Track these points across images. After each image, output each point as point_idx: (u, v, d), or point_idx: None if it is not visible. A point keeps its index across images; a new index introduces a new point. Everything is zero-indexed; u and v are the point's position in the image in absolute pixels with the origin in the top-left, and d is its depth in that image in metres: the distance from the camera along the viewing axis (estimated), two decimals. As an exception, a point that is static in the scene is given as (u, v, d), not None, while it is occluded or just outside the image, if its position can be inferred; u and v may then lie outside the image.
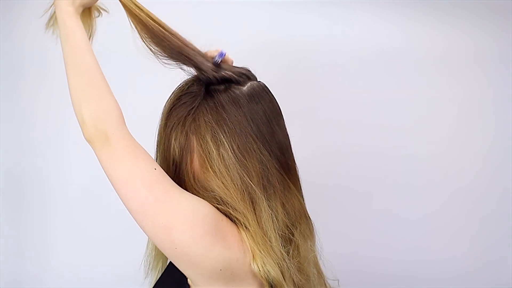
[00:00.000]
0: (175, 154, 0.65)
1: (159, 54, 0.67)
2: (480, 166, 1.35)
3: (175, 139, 0.65)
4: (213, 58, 0.69)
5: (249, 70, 0.71)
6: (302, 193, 0.71)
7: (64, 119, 1.26)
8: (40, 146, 1.30)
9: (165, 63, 0.67)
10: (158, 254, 0.75)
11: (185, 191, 0.60)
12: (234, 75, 0.66)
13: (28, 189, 1.32)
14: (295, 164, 0.70)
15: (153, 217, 0.56)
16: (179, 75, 0.76)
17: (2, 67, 1.25)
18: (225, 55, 0.69)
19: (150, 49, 0.67)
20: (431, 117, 1.32)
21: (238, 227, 0.62)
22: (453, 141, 1.34)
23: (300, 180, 0.71)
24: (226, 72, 0.66)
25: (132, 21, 0.67)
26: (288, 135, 0.70)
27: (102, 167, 0.58)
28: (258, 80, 0.71)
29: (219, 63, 0.68)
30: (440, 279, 1.39)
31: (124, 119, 0.60)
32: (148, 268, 0.75)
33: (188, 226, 0.56)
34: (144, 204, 0.56)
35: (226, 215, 0.62)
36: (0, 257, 1.31)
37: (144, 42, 0.67)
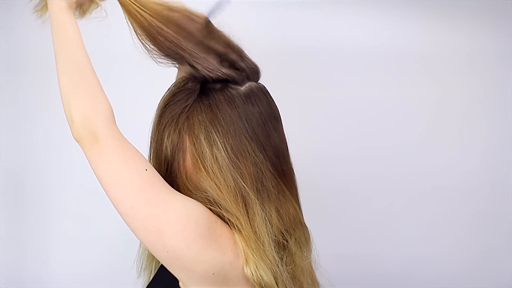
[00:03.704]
0: (167, 152, 0.63)
1: (154, 52, 0.64)
2: (480, 166, 1.34)
3: (167, 137, 0.63)
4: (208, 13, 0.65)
5: (255, 68, 0.68)
6: (299, 201, 0.69)
7: (64, 118, 1.25)
8: (41, 146, 1.30)
9: (160, 62, 0.65)
10: (151, 254, 0.74)
11: (178, 192, 0.59)
12: (231, 74, 0.64)
13: (28, 188, 1.32)
14: (293, 171, 0.68)
15: (144, 220, 0.54)
16: (175, 71, 0.74)
17: (3, 66, 1.25)
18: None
19: (146, 46, 0.65)
20: (431, 117, 1.32)
21: (231, 230, 0.60)
22: (453, 141, 1.33)
23: (297, 188, 0.69)
24: (223, 71, 0.63)
25: (127, 16, 0.65)
26: (285, 141, 0.68)
27: (92, 168, 0.56)
28: (259, 80, 0.69)
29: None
30: (440, 279, 1.39)
31: (114, 118, 0.58)
32: (141, 268, 0.75)
33: (180, 229, 0.55)
34: (133, 207, 0.54)
35: (219, 217, 0.61)
36: (0, 256, 1.31)
37: (139, 39, 0.64)
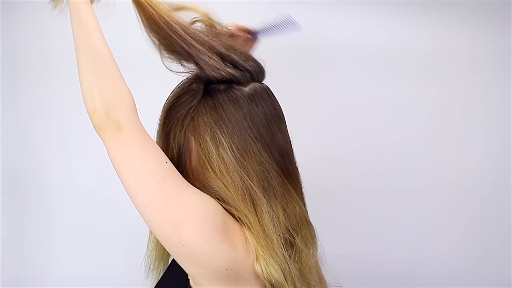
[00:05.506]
0: (174, 154, 0.64)
1: (161, 47, 0.64)
2: (480, 166, 1.35)
3: (173, 139, 0.64)
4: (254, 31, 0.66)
5: (260, 68, 0.69)
6: (304, 199, 0.70)
7: (65, 117, 1.26)
8: (41, 145, 1.29)
9: (166, 57, 0.65)
10: (159, 254, 0.74)
11: (194, 187, 0.59)
12: (235, 75, 0.64)
13: (28, 188, 1.31)
14: (297, 170, 0.69)
15: (163, 211, 0.54)
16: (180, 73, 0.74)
17: (3, 66, 1.25)
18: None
19: (153, 41, 0.64)
20: (431, 116, 1.32)
21: (242, 227, 0.61)
22: (453, 140, 1.33)
23: (302, 186, 0.69)
24: (227, 71, 0.64)
25: (138, 11, 0.64)
26: (289, 140, 0.68)
27: (110, 157, 0.55)
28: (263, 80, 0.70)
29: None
30: (441, 279, 1.39)
31: (136, 108, 0.58)
32: (149, 268, 0.74)
33: (199, 222, 0.55)
34: (154, 198, 0.54)
35: (230, 214, 0.61)
36: (0, 256, 1.31)
37: (148, 34, 0.64)
